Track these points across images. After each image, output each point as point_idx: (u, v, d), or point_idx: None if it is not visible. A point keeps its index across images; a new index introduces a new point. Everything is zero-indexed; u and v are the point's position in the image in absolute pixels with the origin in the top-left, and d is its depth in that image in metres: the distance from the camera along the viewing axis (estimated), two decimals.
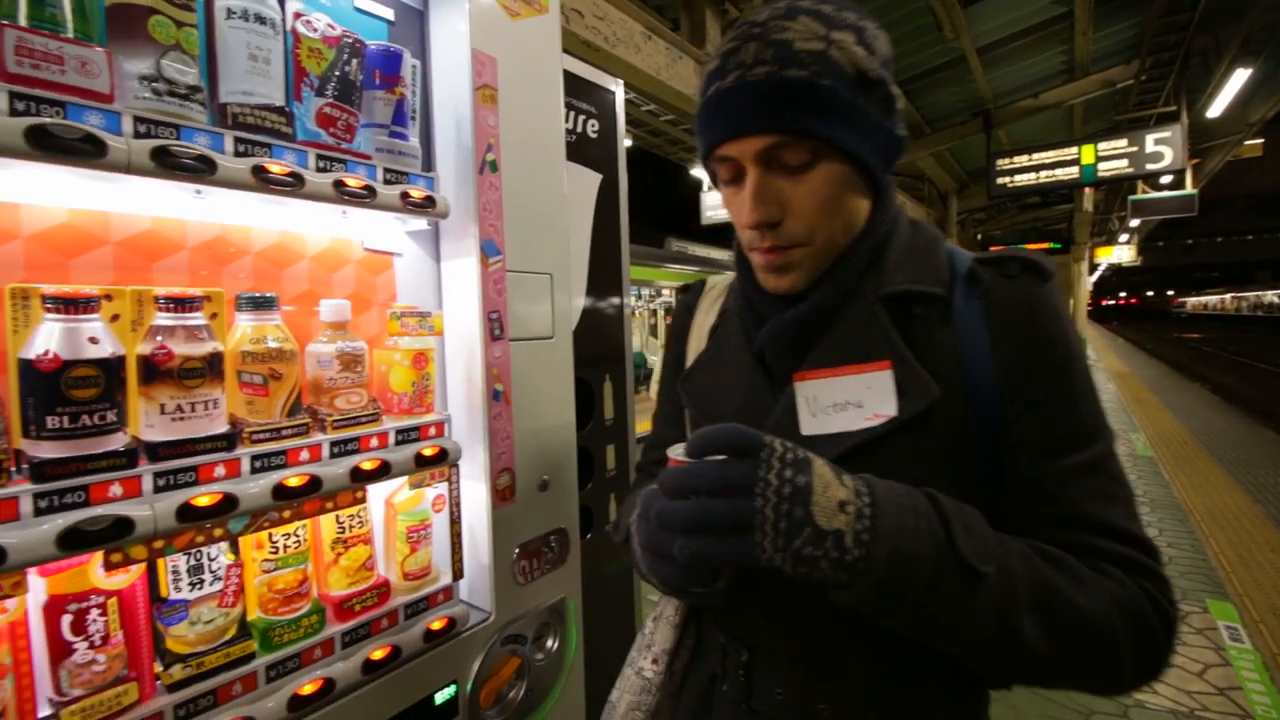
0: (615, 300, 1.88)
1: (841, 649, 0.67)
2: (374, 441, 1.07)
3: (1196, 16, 7.25)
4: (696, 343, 0.86)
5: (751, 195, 0.65)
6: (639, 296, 10.95)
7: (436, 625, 1.12)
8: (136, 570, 0.85)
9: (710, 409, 0.78)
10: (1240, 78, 7.87)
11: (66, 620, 0.79)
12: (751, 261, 0.73)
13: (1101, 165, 6.90)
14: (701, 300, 0.90)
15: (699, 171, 9.35)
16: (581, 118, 1.75)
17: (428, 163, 1.25)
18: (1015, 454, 0.64)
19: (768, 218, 0.65)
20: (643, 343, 11.20)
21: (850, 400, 0.66)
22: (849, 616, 0.56)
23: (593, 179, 1.81)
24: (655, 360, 9.91)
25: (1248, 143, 11.39)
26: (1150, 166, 6.66)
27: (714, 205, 9.40)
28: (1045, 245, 16.26)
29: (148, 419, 0.84)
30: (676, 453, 0.59)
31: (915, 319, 0.67)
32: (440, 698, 1.13)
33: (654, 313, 11.30)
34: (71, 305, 0.75)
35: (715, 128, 0.66)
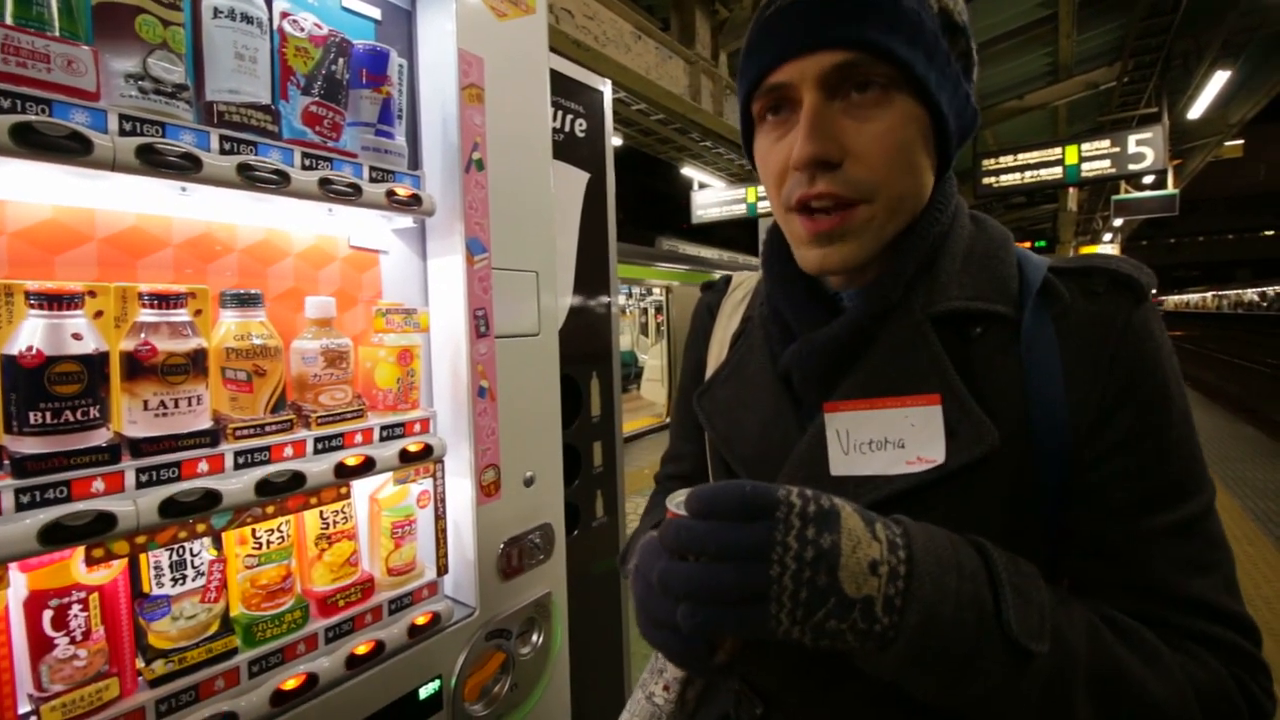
0: (603, 298, 1.89)
1: (867, 715, 0.59)
2: (358, 438, 1.07)
3: (1177, 20, 7.37)
4: (718, 350, 0.77)
5: (808, 123, 0.53)
6: (630, 295, 10.97)
7: (421, 620, 1.13)
8: (118, 565, 0.86)
9: (728, 431, 0.69)
10: (1220, 80, 8.01)
11: (47, 615, 0.79)
12: (790, 234, 0.61)
13: (1085, 166, 6.98)
14: (724, 302, 0.80)
15: (690, 171, 9.37)
16: (569, 117, 1.76)
17: (414, 161, 1.26)
18: (1087, 507, 0.54)
19: (824, 153, 0.53)
20: (633, 341, 11.22)
21: (890, 438, 0.56)
22: (876, 682, 0.49)
23: (580, 178, 1.82)
24: (645, 359, 9.95)
25: (1228, 144, 11.60)
26: (1132, 167, 6.75)
27: (704, 205, 9.43)
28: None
29: (130, 415, 0.85)
30: (677, 504, 0.51)
31: (973, 342, 0.57)
32: (424, 692, 1.14)
33: (645, 311, 11.32)
34: (55, 302, 0.76)
35: (768, 49, 0.55)
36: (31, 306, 0.75)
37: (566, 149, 1.74)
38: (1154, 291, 0.57)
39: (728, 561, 0.44)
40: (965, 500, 0.54)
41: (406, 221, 1.24)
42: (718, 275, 0.87)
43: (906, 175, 0.56)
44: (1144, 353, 0.53)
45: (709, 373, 0.76)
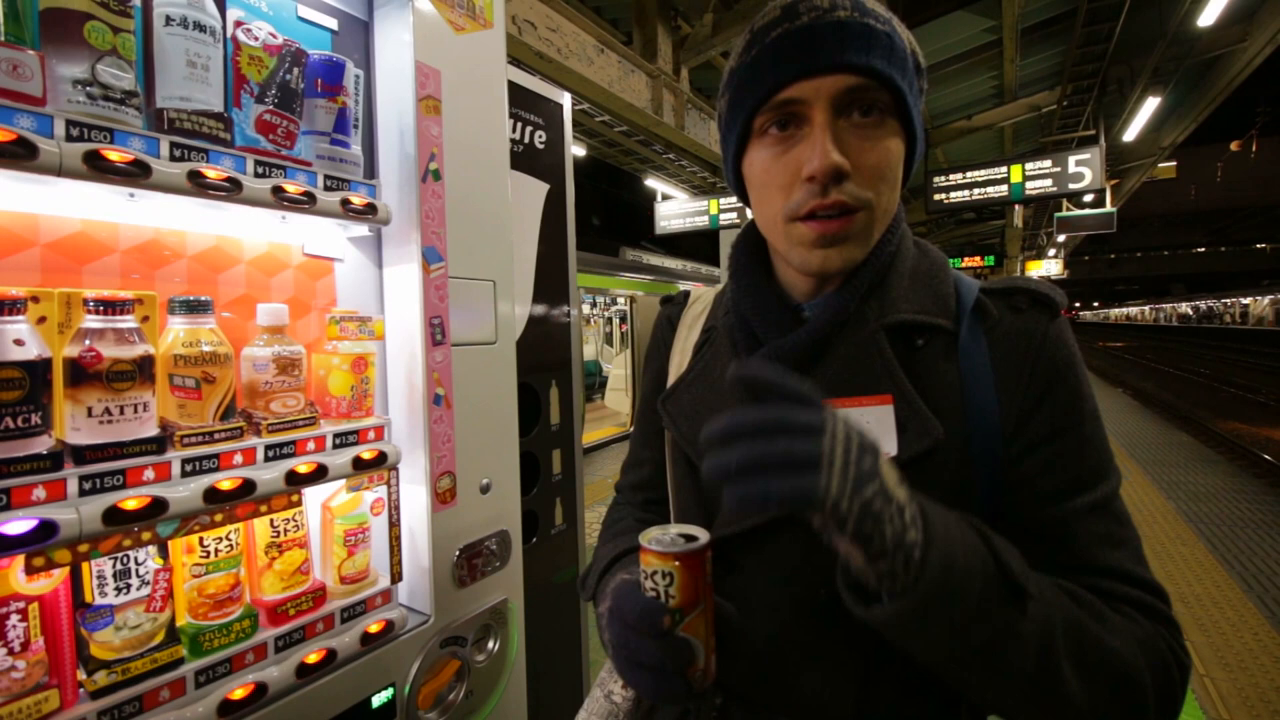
0: (563, 307, 1.92)
1: (823, 701, 0.62)
2: (311, 445, 1.07)
3: (1111, 48, 7.80)
4: (679, 359, 0.82)
5: (829, 136, 0.58)
6: (594, 304, 10.96)
7: (374, 628, 1.13)
8: (60, 575, 0.84)
9: (693, 432, 0.72)
10: (1151, 105, 8.50)
11: None
12: (791, 239, 0.64)
13: (1029, 184, 7.30)
14: (684, 315, 0.86)
15: (653, 182, 9.46)
16: (529, 129, 1.79)
17: (370, 170, 1.27)
18: (1018, 494, 0.60)
19: (843, 165, 0.58)
20: (597, 351, 11.20)
21: None
22: (833, 666, 0.53)
23: (540, 188, 1.85)
24: (610, 368, 9.95)
25: (1161, 165, 12.27)
26: (1072, 186, 7.08)
27: (668, 216, 9.52)
28: (979, 260, 17.03)
29: (74, 422, 0.84)
30: (649, 541, 0.53)
31: (918, 351, 0.64)
32: (377, 700, 1.14)
33: (609, 321, 11.32)
34: None
35: (782, 68, 0.59)
36: None
37: (526, 160, 1.77)
38: (1067, 308, 0.65)
39: (778, 436, 0.44)
40: (915, 489, 0.59)
41: (362, 230, 1.25)
42: (680, 285, 0.89)
43: (892, 190, 0.63)
44: (1059, 359, 0.61)
45: (670, 381, 0.80)
